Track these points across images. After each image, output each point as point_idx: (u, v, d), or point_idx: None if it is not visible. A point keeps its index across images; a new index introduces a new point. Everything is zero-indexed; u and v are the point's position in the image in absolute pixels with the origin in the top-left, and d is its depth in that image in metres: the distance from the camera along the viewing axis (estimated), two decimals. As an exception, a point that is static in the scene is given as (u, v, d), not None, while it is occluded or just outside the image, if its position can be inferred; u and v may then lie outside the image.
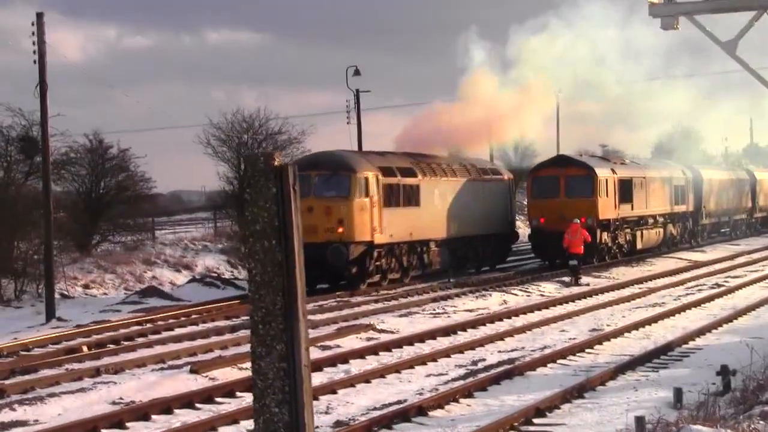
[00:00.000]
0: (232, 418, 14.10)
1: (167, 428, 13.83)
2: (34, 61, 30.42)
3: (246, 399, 14.98)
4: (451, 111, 44.30)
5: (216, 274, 41.53)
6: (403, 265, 35.35)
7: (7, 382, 17.60)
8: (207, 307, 29.52)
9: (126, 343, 23.17)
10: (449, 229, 37.53)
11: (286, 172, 4.45)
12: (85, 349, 22.03)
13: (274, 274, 4.37)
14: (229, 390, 16.62)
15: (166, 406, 15.23)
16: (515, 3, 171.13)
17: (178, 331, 25.28)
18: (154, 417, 14.67)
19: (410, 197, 35.35)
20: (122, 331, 25.19)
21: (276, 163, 4.39)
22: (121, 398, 16.17)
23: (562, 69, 45.26)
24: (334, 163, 33.26)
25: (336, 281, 33.18)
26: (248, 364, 14.04)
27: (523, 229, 49.72)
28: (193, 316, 27.80)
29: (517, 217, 48.36)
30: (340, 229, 31.44)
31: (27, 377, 18.33)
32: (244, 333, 21.95)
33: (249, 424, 12.23)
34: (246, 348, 16.51)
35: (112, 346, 22.59)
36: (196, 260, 43.79)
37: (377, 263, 33.45)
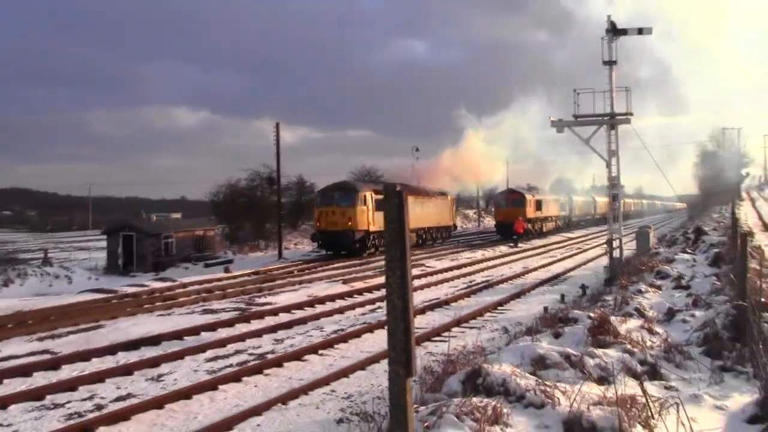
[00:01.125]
0: (361, 304, 29.82)
1: (332, 308, 29.15)
2: (274, 144, 59.36)
3: (366, 296, 31.99)
4: (455, 157, 79.59)
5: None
6: None
7: (263, 285, 35.75)
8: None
9: (312, 269, 42.94)
10: (419, 223, 63.49)
11: (402, 192, 6.47)
12: (295, 271, 41.58)
13: (396, 239, 6.42)
14: (358, 291, 33.56)
15: (331, 297, 31.63)
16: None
17: (337, 263, 46.75)
18: (327, 303, 30.53)
19: None
20: (311, 264, 46.80)
21: (397, 188, 6.39)
22: (311, 294, 32.72)
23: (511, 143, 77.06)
24: (347, 187, 56.44)
25: (353, 252, 54.32)
26: (370, 281, 32.28)
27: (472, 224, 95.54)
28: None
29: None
30: (350, 223, 53.29)
31: (271, 284, 36.50)
32: (367, 267, 42.31)
33: (369, 308, 28.88)
34: (365, 273, 34.77)
35: (306, 270, 42.26)
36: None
37: (373, 242, 56.04)
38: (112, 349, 20.68)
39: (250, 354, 20.17)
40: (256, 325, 25.00)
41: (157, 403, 14.90)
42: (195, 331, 23.55)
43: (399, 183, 53.18)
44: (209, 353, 20.24)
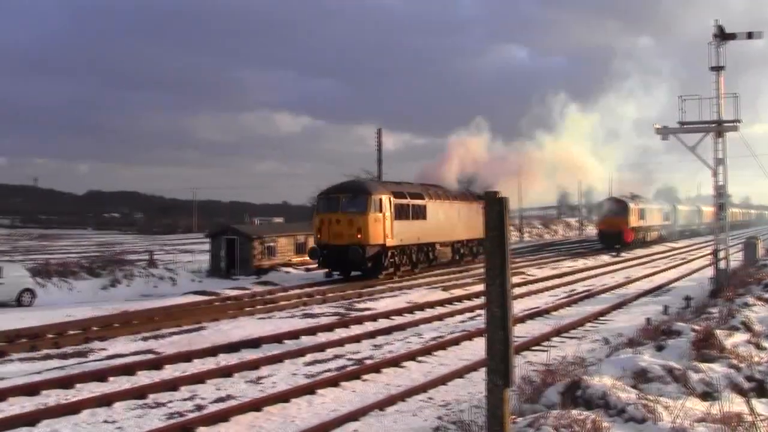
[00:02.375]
0: (461, 311, 29.86)
1: (431, 315, 29.16)
2: (376, 149, 60.90)
3: (466, 303, 31.86)
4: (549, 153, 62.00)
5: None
6: (413, 261, 46.82)
7: (363, 290, 36.30)
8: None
9: (412, 275, 43.78)
10: (450, 235, 52.04)
11: (504, 200, 6.59)
12: (395, 277, 41.27)
13: (496, 248, 6.54)
14: (458, 298, 33.51)
15: (431, 304, 31.60)
16: None
17: (436, 270, 46.69)
18: (426, 309, 30.53)
19: (418, 213, 46.97)
20: (408, 270, 46.37)
21: (498, 196, 6.53)
22: (410, 301, 32.76)
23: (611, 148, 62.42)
24: (356, 188, 44.40)
25: (365, 273, 43.00)
26: (470, 288, 32.19)
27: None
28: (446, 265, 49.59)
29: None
30: (359, 235, 41.54)
31: (371, 289, 36.81)
32: (467, 274, 42.58)
33: (468, 316, 28.72)
34: (466, 281, 34.67)
35: (406, 276, 42.07)
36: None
37: (392, 260, 44.36)
38: (213, 351, 20.98)
39: (349, 359, 20.24)
40: (355, 330, 25.11)
41: (256, 405, 15.05)
42: (295, 334, 23.73)
43: (428, 183, 52.27)
44: (308, 357, 20.38)
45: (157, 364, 19.29)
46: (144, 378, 17.94)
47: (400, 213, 44.58)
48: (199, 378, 17.61)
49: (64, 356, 20.81)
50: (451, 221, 51.51)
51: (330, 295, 34.83)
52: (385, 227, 42.80)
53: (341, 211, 42.52)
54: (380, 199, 42.88)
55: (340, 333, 24.46)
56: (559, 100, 59.65)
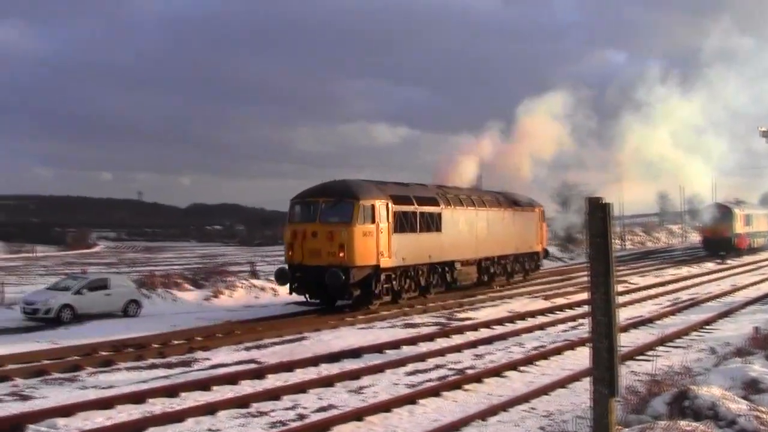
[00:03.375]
0: (562, 320, 29.58)
1: (532, 324, 28.77)
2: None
3: (567, 312, 31.52)
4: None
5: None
6: (421, 285, 36.76)
7: (463, 300, 36.21)
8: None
9: (512, 284, 43.26)
10: (476, 251, 41.39)
11: (607, 205, 6.53)
12: (495, 286, 41.32)
13: (600, 255, 6.54)
14: (560, 307, 33.15)
15: (532, 313, 31.29)
16: None
17: (538, 280, 46.12)
18: (527, 318, 30.25)
19: (430, 224, 36.91)
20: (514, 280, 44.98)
21: (601, 202, 6.45)
22: (511, 310, 32.54)
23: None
24: (340, 191, 33.57)
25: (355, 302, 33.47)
26: (572, 297, 31.82)
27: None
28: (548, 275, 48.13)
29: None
30: (341, 254, 31.58)
31: (471, 299, 36.70)
32: (567, 282, 42.29)
33: (570, 325, 28.39)
34: (567, 289, 34.27)
35: (507, 286, 42.25)
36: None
37: (386, 285, 33.92)
38: (314, 361, 21.10)
39: (450, 369, 20.14)
40: (456, 339, 25.01)
41: (358, 415, 15.07)
42: (395, 344, 23.73)
43: (441, 185, 41.74)
44: (409, 367, 20.34)
45: (259, 373, 19.48)
46: (247, 387, 18.11)
47: (404, 223, 34.95)
48: (300, 387, 17.72)
49: (169, 365, 21.17)
50: (477, 233, 41.56)
51: (431, 305, 34.72)
52: (379, 243, 32.84)
53: (319, 221, 32.75)
54: (372, 206, 32.92)
55: (441, 343, 24.37)
56: (657, 98, 54.97)
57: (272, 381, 18.76)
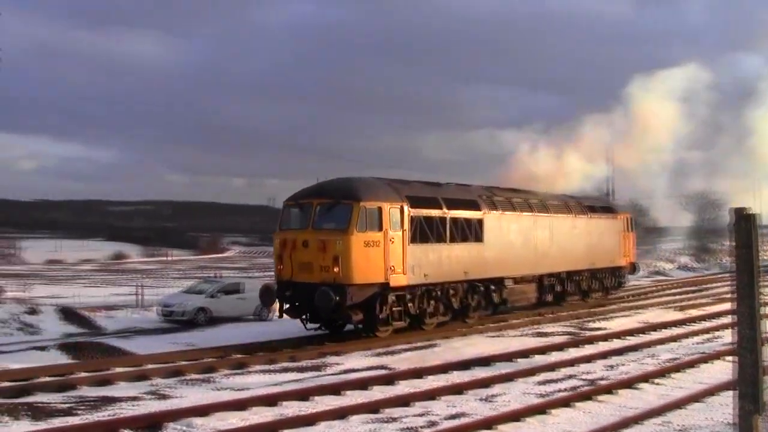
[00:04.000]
0: (697, 332, 28.50)
1: (666, 335, 27.82)
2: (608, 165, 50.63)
3: (703, 324, 30.72)
4: None
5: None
6: (454, 307, 30.28)
7: (595, 309, 35.75)
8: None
9: (645, 294, 42.38)
10: (535, 265, 35.00)
11: (753, 216, 6.33)
12: (626, 296, 41.01)
13: (745, 266, 6.45)
14: (694, 319, 32.30)
15: (665, 324, 30.45)
16: None
17: (670, 291, 45.40)
18: (661, 330, 29.36)
19: (467, 232, 30.52)
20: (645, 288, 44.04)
21: (745, 212, 6.32)
22: (643, 320, 31.85)
23: None
24: (338, 190, 27.36)
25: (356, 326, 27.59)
26: (707, 308, 31.02)
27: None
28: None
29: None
30: (336, 269, 25.52)
31: (602, 308, 36.18)
32: (691, 294, 41.53)
33: (705, 337, 27.56)
34: (702, 301, 33.43)
35: (641, 296, 42.61)
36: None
37: (397, 308, 27.49)
38: (444, 368, 21.10)
39: (581, 379, 19.85)
40: (587, 350, 24.64)
41: (488, 423, 14.96)
42: (526, 353, 23.54)
43: (491, 186, 35.38)
44: (540, 376, 20.13)
45: (389, 379, 19.59)
46: (377, 393, 18.21)
47: (427, 231, 28.47)
48: (431, 394, 17.71)
49: (301, 369, 21.52)
50: (537, 244, 35.14)
51: (562, 314, 34.31)
52: (387, 255, 26.57)
53: (312, 227, 26.60)
54: (379, 209, 26.67)
55: (572, 353, 24.06)
56: None
57: (402, 387, 18.84)
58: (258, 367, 21.91)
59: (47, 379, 19.91)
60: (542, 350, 24.24)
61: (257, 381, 19.83)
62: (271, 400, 16.98)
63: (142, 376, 20.32)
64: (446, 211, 29.49)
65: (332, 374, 20.74)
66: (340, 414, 15.76)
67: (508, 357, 22.88)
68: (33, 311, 33.30)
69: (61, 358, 23.42)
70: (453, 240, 29.67)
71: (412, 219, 27.65)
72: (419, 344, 26.04)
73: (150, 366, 21.72)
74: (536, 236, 34.96)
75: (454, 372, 20.76)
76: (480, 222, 31.23)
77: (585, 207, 40.16)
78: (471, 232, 30.75)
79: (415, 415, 15.96)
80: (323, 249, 25.83)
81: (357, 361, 22.75)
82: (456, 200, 30.56)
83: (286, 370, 21.56)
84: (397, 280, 26.91)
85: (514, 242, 33.35)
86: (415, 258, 27.59)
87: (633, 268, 45.46)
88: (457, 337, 27.82)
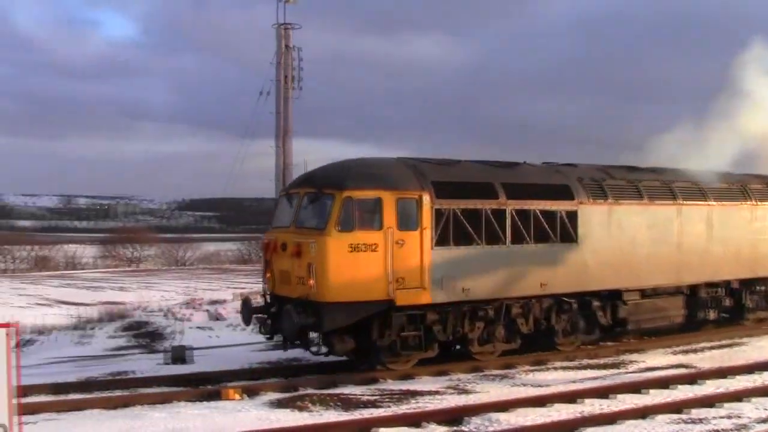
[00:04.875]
0: None
1: None
2: None
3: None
4: None
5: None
6: (521, 332, 21.96)
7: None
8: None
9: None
10: (681, 272, 25.16)
11: None
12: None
13: None
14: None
15: None
16: None
17: None
18: None
19: (547, 229, 22.00)
20: None
21: None
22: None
23: None
24: (324, 177, 20.42)
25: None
26: None
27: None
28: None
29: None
30: (311, 281, 18.82)
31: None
32: None
33: None
34: None
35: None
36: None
37: (413, 332, 19.92)
38: (749, 368, 20.25)
39: None
40: None
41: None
42: None
43: (607, 166, 25.27)
44: None
45: (691, 378, 19.08)
46: (679, 392, 17.77)
47: (470, 229, 20.55)
48: (736, 396, 17.05)
49: (600, 366, 21.39)
50: (681, 243, 25.08)
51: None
52: (389, 261, 19.10)
53: (295, 225, 20.10)
54: (376, 201, 19.32)
55: None
56: None
57: (706, 387, 18.29)
58: (558, 364, 21.92)
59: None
60: None
61: (556, 378, 19.88)
62: (570, 397, 16.98)
63: (442, 372, 20.73)
64: (506, 201, 21.25)
65: (633, 372, 20.49)
66: (642, 413, 15.50)
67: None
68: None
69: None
70: (518, 241, 21.46)
71: (440, 213, 19.96)
72: (722, 342, 25.09)
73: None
74: (683, 232, 25.18)
75: (764, 373, 19.79)
76: (572, 215, 22.57)
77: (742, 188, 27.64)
78: (555, 229, 22.22)
79: (719, 417, 15.41)
80: (298, 254, 19.24)
81: (658, 359, 22.31)
82: (525, 186, 22.11)
83: (585, 367, 21.45)
84: (409, 297, 19.46)
85: (640, 241, 24.09)
86: (446, 267, 20.00)
87: None
88: (763, 335, 26.46)
